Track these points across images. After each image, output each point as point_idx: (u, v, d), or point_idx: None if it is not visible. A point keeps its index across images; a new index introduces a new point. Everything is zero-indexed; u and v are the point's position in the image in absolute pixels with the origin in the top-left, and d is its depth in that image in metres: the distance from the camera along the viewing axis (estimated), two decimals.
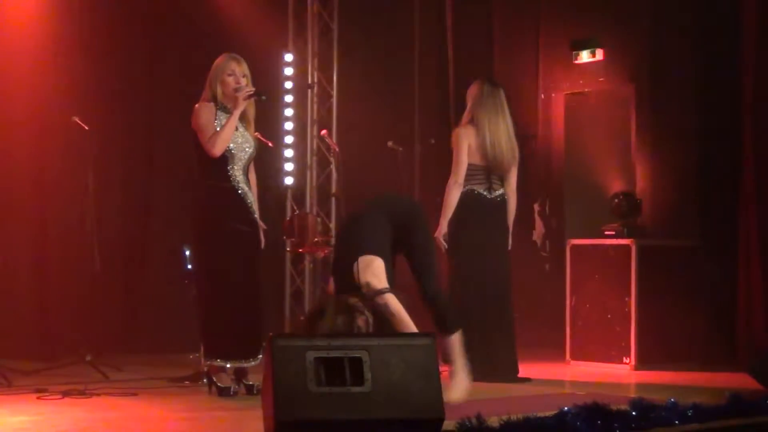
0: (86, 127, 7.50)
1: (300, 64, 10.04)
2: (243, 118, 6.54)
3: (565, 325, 8.29)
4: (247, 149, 6.55)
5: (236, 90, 6.48)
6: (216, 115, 6.48)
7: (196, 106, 6.54)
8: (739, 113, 8.16)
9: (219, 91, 6.52)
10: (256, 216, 6.61)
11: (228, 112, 6.48)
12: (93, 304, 7.97)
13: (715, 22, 8.49)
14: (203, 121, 6.45)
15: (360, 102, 9.84)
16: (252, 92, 6.51)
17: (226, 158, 6.45)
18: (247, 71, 6.58)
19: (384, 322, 5.57)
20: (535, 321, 8.85)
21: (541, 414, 4.76)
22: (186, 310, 7.57)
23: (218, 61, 6.59)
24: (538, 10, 9.67)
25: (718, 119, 8.49)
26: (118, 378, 7.05)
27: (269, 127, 8.44)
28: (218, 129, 6.41)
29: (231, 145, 6.45)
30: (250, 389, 6.39)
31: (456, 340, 5.93)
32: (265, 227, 6.73)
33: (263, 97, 6.63)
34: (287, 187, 9.95)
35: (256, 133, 6.71)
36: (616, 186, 8.82)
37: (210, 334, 6.47)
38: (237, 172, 6.50)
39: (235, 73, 6.53)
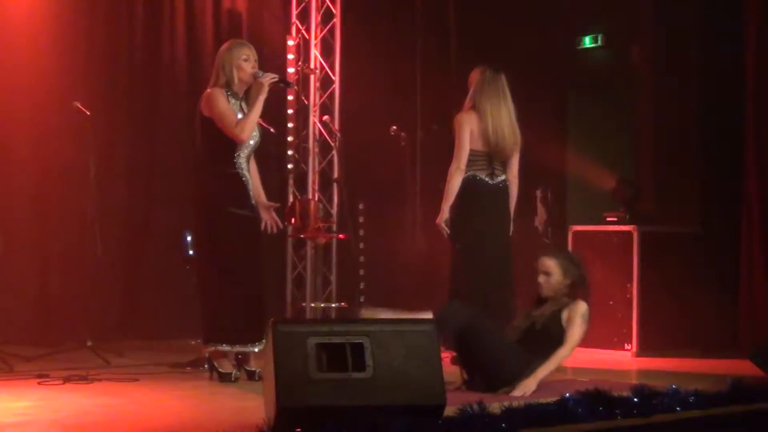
0: (87, 113, 7.48)
1: (302, 50, 10.02)
2: (248, 104, 6.49)
3: None
4: (254, 136, 6.53)
5: (254, 75, 6.44)
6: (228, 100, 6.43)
7: (208, 91, 6.43)
8: (742, 99, 8.14)
9: (234, 76, 6.43)
10: (254, 202, 6.58)
11: (237, 98, 6.44)
12: (94, 289, 7.96)
13: (719, 6, 8.46)
14: (223, 107, 6.36)
15: (362, 87, 9.81)
16: (277, 78, 6.49)
17: (234, 145, 6.41)
18: (256, 56, 6.55)
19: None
20: None
21: (542, 400, 4.77)
22: (187, 295, 7.57)
23: (228, 46, 6.52)
24: None
25: (721, 105, 8.47)
26: (120, 363, 7.05)
27: (271, 112, 8.41)
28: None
29: None
30: (251, 375, 6.39)
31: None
32: (276, 205, 6.73)
33: (291, 84, 6.59)
34: (289, 172, 9.93)
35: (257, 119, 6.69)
36: (619, 172, 8.81)
37: (211, 319, 6.46)
38: (242, 159, 6.47)
39: (250, 59, 6.48)
